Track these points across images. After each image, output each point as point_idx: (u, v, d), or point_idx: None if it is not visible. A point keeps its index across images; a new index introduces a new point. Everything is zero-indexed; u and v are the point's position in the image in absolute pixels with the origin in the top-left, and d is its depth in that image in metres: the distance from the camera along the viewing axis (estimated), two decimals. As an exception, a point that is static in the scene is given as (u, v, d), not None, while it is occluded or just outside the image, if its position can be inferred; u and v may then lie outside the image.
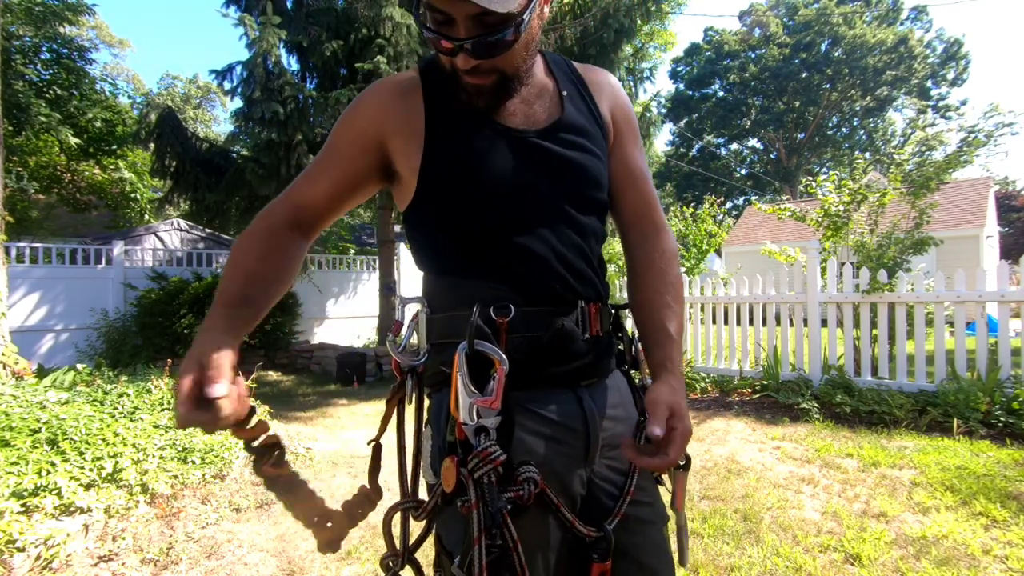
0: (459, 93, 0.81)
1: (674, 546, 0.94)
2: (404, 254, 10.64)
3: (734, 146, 37.70)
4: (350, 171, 0.88)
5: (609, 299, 0.94)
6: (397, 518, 0.89)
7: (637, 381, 0.98)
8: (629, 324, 1.00)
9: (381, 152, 0.87)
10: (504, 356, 0.75)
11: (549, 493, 0.78)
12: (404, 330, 0.92)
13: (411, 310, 0.94)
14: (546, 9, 0.82)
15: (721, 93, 34.89)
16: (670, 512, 0.95)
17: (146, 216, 15.51)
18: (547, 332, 0.81)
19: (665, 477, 0.97)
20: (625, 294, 6.07)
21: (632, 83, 8.03)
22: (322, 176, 0.88)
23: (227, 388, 0.67)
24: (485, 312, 0.79)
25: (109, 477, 2.56)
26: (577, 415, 0.84)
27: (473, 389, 0.74)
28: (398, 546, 0.88)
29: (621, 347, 0.98)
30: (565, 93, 0.89)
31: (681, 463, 0.87)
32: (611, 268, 9.72)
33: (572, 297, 0.85)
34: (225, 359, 0.69)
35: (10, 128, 10.80)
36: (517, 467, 0.75)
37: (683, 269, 8.27)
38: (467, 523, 0.72)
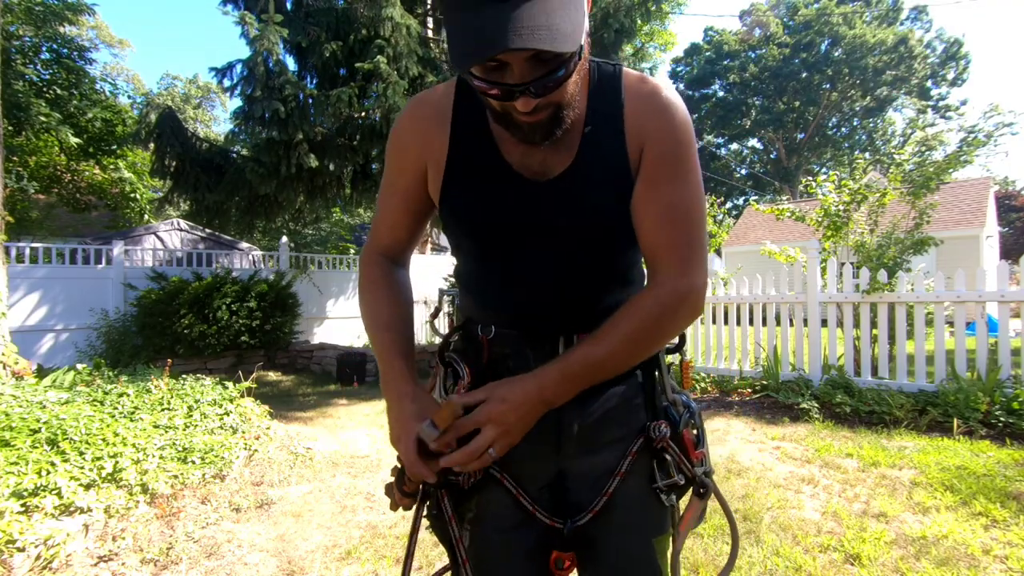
0: (512, 131, 0.79)
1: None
2: (404, 254, 10.64)
3: (734, 146, 37.73)
4: (411, 198, 0.94)
5: None
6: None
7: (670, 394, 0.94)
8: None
9: (426, 172, 0.92)
10: (464, 369, 0.88)
11: (507, 482, 0.88)
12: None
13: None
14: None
15: (721, 93, 34.90)
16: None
17: (146, 216, 15.51)
18: (503, 354, 0.89)
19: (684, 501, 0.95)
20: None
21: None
22: (391, 211, 0.96)
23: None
24: (472, 328, 0.92)
25: (109, 477, 2.56)
26: (550, 415, 0.84)
27: (443, 392, 0.91)
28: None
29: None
30: (588, 129, 0.84)
31: (700, 491, 0.90)
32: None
33: (551, 330, 0.89)
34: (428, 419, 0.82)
35: (10, 128, 10.80)
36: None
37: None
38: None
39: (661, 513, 0.92)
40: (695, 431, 0.93)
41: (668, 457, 0.89)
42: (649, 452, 0.90)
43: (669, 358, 1.00)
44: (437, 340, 1.00)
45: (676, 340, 0.99)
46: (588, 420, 0.88)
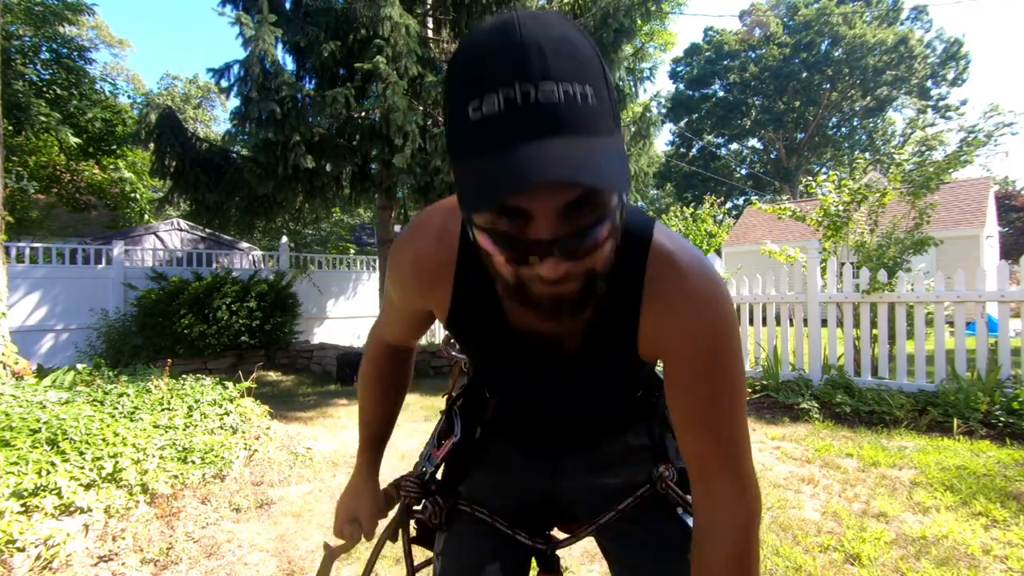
0: (531, 309, 0.59)
1: None
2: (404, 254, 10.63)
3: (734, 146, 37.70)
4: (412, 316, 0.93)
5: None
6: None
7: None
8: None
9: (430, 311, 0.90)
10: (459, 431, 0.98)
11: (478, 512, 0.94)
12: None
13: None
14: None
15: (721, 93, 34.88)
16: None
17: (146, 216, 15.51)
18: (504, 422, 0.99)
19: None
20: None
21: (632, 83, 8.01)
22: (393, 321, 0.97)
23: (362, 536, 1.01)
24: (480, 392, 1.00)
25: (109, 477, 2.56)
26: (547, 459, 0.96)
27: (435, 442, 1.01)
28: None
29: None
30: (598, 318, 0.71)
31: None
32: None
33: (551, 449, 0.97)
34: (374, 512, 1.02)
35: (10, 128, 10.80)
36: (429, 497, 0.97)
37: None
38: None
39: (672, 535, 0.89)
40: None
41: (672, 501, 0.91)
42: (655, 499, 0.91)
43: None
44: (437, 342, 1.05)
45: None
46: (591, 467, 0.95)
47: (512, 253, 0.54)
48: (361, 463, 1.04)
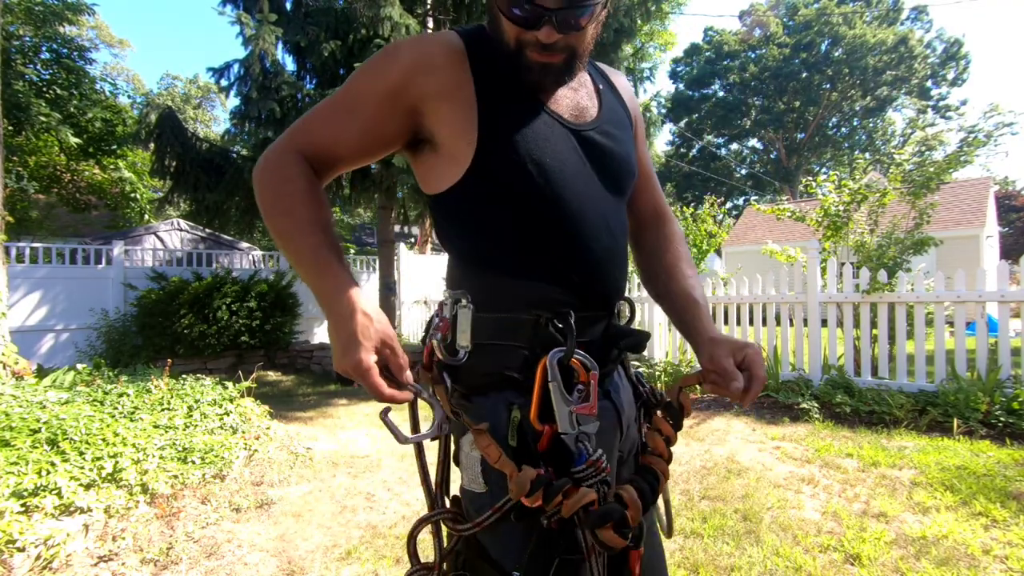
0: (521, 73, 0.77)
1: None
2: (404, 254, 10.62)
3: (734, 146, 37.69)
4: (378, 130, 0.81)
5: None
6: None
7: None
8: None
9: (415, 116, 0.80)
10: (595, 362, 0.76)
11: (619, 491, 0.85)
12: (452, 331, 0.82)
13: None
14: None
15: (721, 93, 34.88)
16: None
17: (146, 216, 15.52)
18: (600, 338, 0.85)
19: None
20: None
21: (632, 83, 8.02)
22: (345, 125, 0.80)
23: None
24: (548, 318, 0.78)
25: (109, 477, 2.56)
26: (610, 407, 0.86)
27: (569, 397, 0.73)
28: (427, 559, 0.87)
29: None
30: (601, 87, 0.91)
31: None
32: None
33: (615, 298, 0.87)
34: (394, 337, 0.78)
35: (10, 128, 10.81)
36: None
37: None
38: (532, 535, 0.74)
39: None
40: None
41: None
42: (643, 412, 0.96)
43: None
44: (412, 340, 0.88)
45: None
46: (628, 409, 0.92)
47: (523, 17, 0.72)
48: (334, 271, 0.74)
